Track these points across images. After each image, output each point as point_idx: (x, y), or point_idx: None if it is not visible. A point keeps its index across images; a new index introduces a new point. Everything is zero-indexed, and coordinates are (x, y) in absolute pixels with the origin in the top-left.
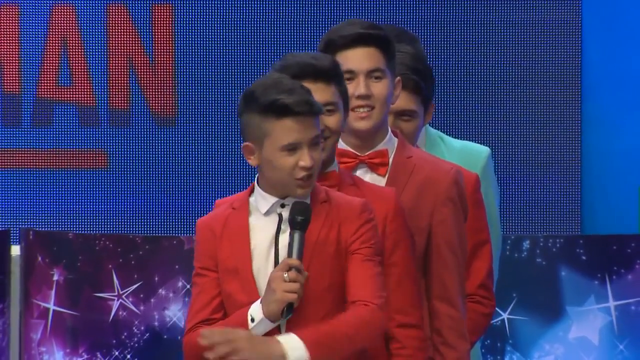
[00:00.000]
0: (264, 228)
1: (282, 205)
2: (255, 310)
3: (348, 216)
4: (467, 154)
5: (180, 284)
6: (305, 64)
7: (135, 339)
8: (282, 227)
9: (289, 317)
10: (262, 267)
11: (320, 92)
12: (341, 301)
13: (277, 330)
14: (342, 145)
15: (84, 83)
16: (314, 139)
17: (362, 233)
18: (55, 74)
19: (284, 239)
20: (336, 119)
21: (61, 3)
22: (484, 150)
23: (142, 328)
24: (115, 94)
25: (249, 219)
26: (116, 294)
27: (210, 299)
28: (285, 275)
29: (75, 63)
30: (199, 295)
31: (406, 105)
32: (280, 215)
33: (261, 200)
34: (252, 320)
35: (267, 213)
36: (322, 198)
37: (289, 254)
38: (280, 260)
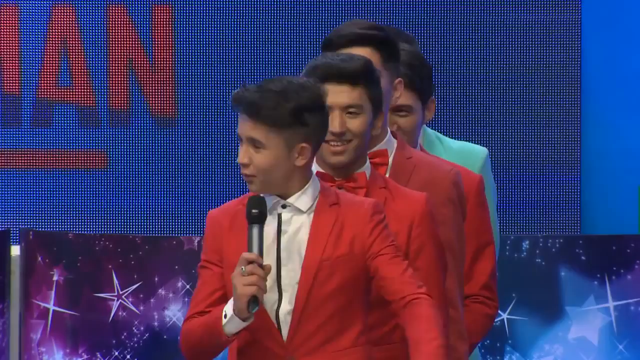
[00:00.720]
0: (267, 228)
1: (284, 206)
2: (229, 307)
3: (360, 218)
4: (465, 155)
5: (180, 284)
6: (330, 66)
7: (135, 339)
8: (283, 227)
9: (255, 309)
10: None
11: (343, 94)
12: (349, 302)
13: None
14: None
15: (84, 83)
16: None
17: (377, 233)
18: (55, 74)
19: (286, 239)
20: (358, 122)
21: (61, 3)
22: (482, 151)
23: (142, 328)
24: (115, 94)
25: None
26: (116, 294)
27: (211, 292)
28: (242, 269)
29: (75, 63)
30: (201, 287)
31: (401, 100)
32: (279, 216)
33: (266, 199)
34: (225, 316)
35: (269, 212)
36: (331, 201)
37: (248, 249)
38: (282, 263)
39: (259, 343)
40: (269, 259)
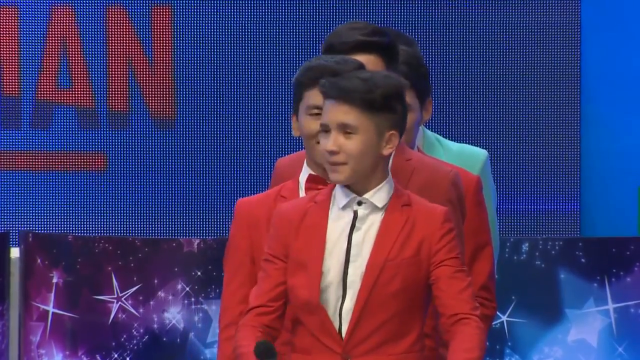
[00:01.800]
0: (340, 224)
1: (359, 203)
2: None
3: (430, 223)
4: (465, 157)
5: (179, 286)
6: (325, 67)
7: (135, 342)
8: (357, 224)
9: None
10: (333, 264)
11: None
12: (410, 306)
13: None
14: None
15: (84, 85)
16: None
17: (446, 242)
18: (55, 76)
19: (358, 236)
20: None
21: (61, 5)
22: (481, 153)
23: (142, 330)
24: (115, 96)
25: (329, 214)
26: (115, 296)
27: (273, 287)
28: None
29: (75, 65)
30: (263, 280)
31: None
32: (355, 213)
33: (340, 195)
34: None
35: (344, 208)
36: (404, 202)
37: None
38: (351, 259)
39: (317, 340)
40: (338, 254)
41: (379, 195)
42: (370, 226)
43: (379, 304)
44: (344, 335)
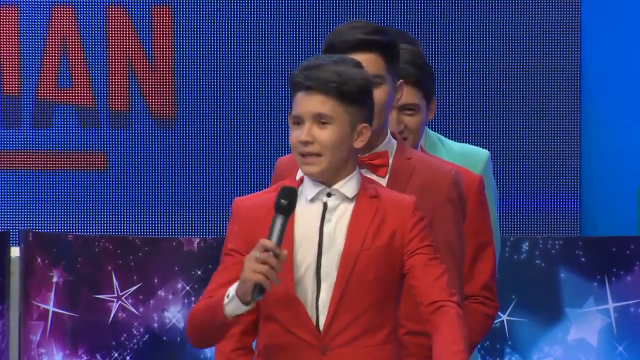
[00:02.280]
0: (309, 216)
1: (329, 195)
2: (232, 288)
3: (401, 213)
4: (467, 157)
5: (179, 285)
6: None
7: (135, 341)
8: (327, 216)
9: (258, 299)
10: (305, 256)
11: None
12: (385, 297)
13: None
14: None
15: (84, 84)
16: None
17: (418, 231)
18: (55, 75)
19: (329, 227)
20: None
21: (61, 4)
22: (483, 153)
23: (142, 330)
24: (115, 96)
25: (296, 207)
26: (115, 295)
27: (228, 281)
28: (257, 255)
29: (75, 64)
30: (221, 272)
31: (408, 99)
32: (325, 204)
33: (308, 187)
34: (228, 296)
35: (312, 200)
36: (371, 193)
37: (269, 236)
38: (323, 250)
39: (292, 334)
40: (311, 247)
41: (348, 185)
42: (341, 216)
43: (356, 294)
44: (321, 327)
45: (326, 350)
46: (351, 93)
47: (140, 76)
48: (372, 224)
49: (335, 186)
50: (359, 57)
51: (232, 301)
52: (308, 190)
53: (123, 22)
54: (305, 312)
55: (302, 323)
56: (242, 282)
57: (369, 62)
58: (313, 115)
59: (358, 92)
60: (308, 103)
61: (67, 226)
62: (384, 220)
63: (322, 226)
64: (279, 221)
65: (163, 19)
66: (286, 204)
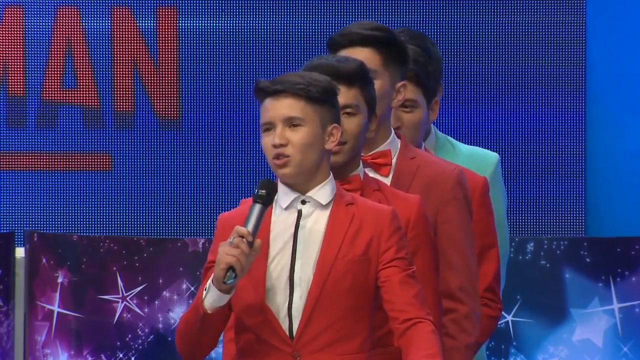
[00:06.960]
0: (283, 224)
1: (303, 202)
2: (210, 280)
3: (378, 222)
4: (476, 160)
5: (184, 286)
6: (327, 66)
7: (140, 341)
8: (302, 222)
9: (230, 282)
10: (279, 264)
11: (340, 95)
12: (360, 305)
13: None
14: None
15: (89, 85)
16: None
17: (394, 241)
18: (60, 76)
19: (303, 234)
20: (354, 122)
21: (66, 5)
22: (492, 156)
23: (147, 330)
24: (120, 97)
25: (272, 216)
26: (120, 296)
27: None
28: (231, 240)
29: (80, 65)
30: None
31: (405, 94)
32: (299, 212)
33: (282, 195)
34: (206, 289)
35: (287, 208)
36: (347, 201)
37: (245, 224)
38: (297, 256)
39: (264, 341)
40: (285, 254)
41: (322, 192)
42: (315, 223)
43: (330, 301)
44: (294, 333)
45: (298, 356)
46: (317, 94)
47: (145, 76)
48: (349, 232)
49: (309, 193)
50: (357, 51)
51: (209, 291)
52: (283, 198)
53: (128, 22)
54: (275, 318)
55: (272, 330)
56: (217, 265)
57: (364, 57)
58: (284, 119)
59: (324, 92)
60: (277, 107)
61: (72, 227)
62: (361, 228)
63: (297, 233)
64: (256, 209)
65: (168, 19)
66: (264, 193)
